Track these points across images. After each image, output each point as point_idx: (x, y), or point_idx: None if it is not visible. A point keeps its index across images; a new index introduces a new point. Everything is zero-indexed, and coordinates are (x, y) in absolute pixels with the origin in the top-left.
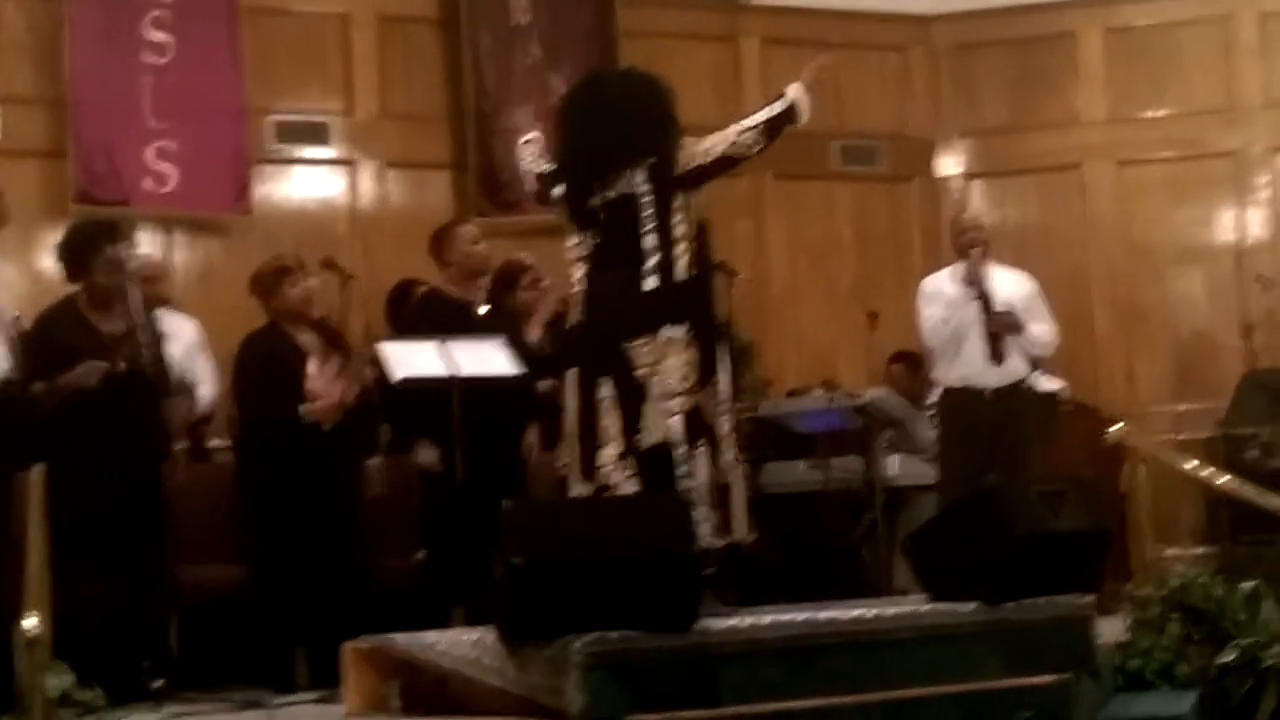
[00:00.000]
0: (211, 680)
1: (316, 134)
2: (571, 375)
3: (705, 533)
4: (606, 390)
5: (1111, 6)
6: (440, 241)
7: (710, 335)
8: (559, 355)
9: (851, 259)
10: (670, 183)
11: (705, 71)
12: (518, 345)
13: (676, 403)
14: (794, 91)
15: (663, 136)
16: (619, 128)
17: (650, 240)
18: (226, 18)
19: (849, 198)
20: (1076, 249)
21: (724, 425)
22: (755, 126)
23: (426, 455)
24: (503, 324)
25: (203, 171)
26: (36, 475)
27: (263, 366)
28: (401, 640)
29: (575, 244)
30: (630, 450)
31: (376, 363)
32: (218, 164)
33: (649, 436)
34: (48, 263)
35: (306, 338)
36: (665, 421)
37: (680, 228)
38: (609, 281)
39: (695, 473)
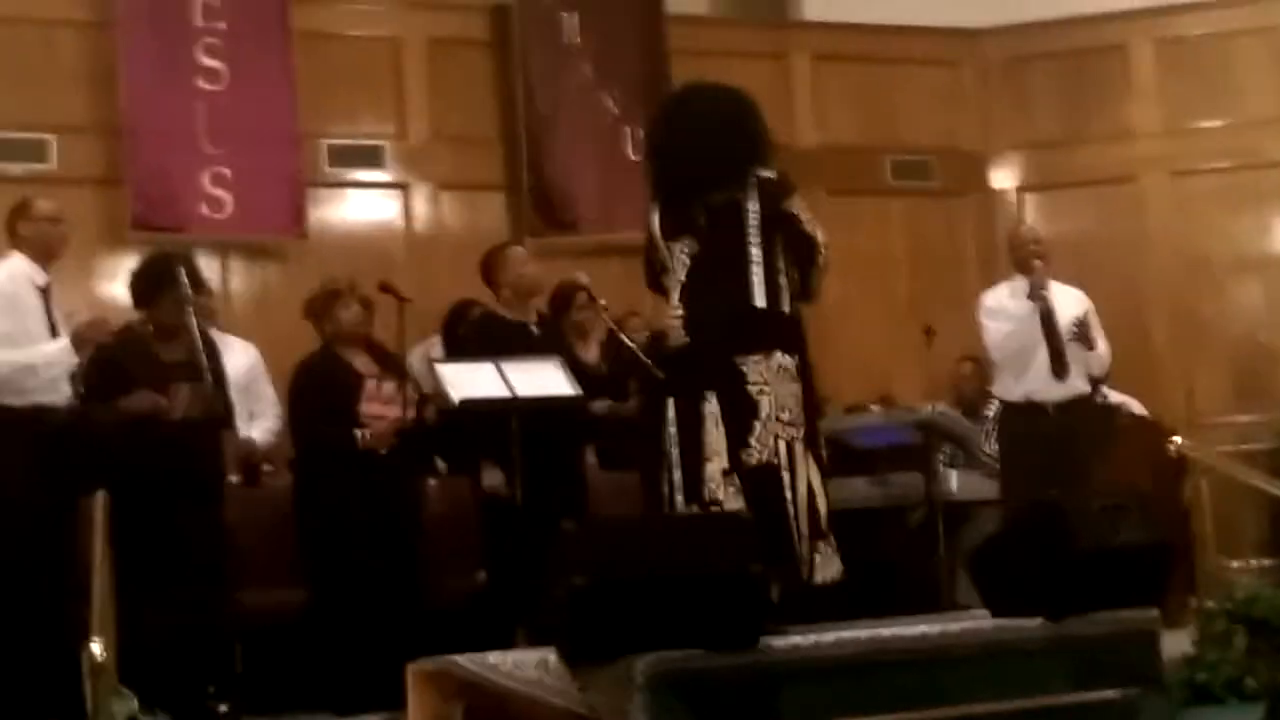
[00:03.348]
0: (276, 704)
1: (370, 157)
2: (674, 394)
3: (825, 567)
4: (712, 405)
5: (1163, 17)
6: (491, 264)
7: (811, 378)
8: (664, 371)
9: (906, 274)
10: (775, 204)
11: (757, 89)
12: (573, 365)
13: (785, 429)
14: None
15: (766, 154)
16: (723, 143)
17: (756, 253)
18: (279, 43)
19: (902, 213)
20: (1133, 261)
21: (818, 477)
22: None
23: (492, 477)
24: (557, 344)
25: (258, 196)
26: (100, 501)
27: (317, 391)
28: (464, 661)
29: (676, 255)
30: (735, 467)
31: (434, 385)
32: (273, 189)
33: (758, 454)
34: (107, 289)
35: (361, 360)
36: (775, 442)
37: (781, 257)
38: (717, 292)
39: (802, 504)
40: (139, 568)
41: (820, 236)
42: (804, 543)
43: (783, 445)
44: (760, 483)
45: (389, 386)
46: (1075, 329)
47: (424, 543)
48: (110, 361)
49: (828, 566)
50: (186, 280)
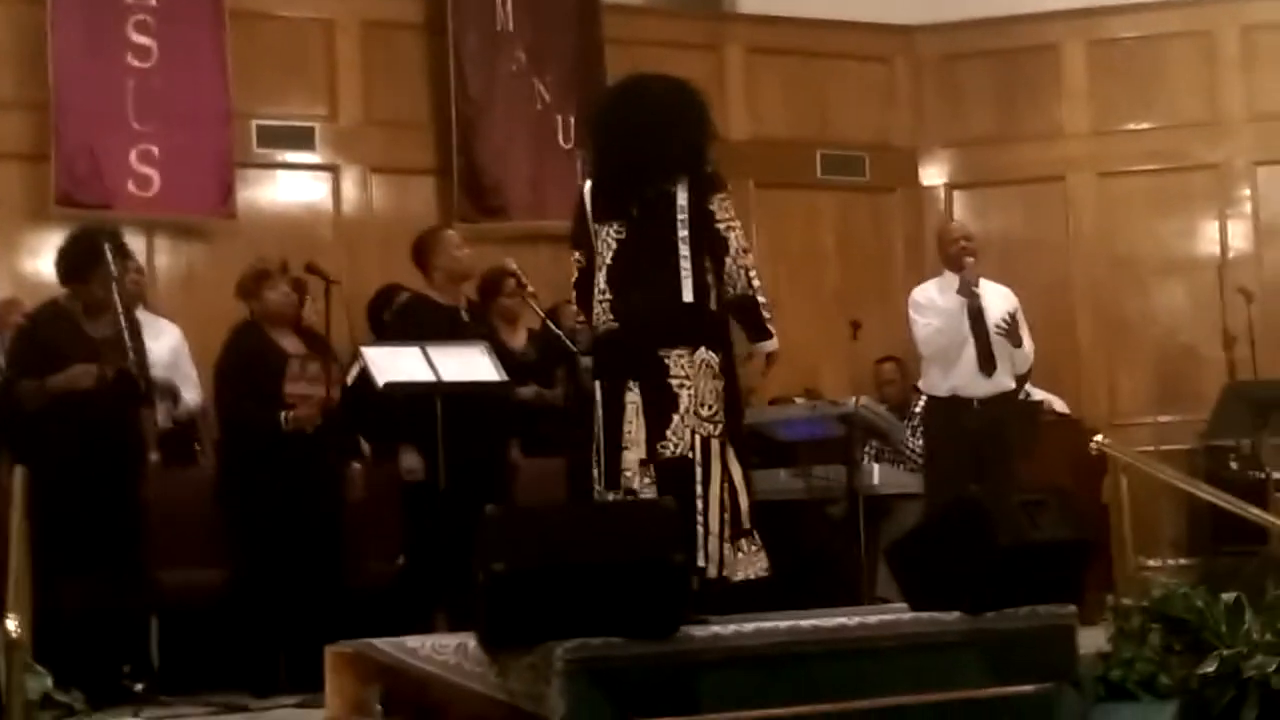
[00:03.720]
0: (193, 684)
1: (300, 139)
2: (600, 379)
3: (732, 564)
4: (634, 395)
5: (1095, 19)
6: (424, 247)
7: (734, 378)
8: (595, 358)
9: (834, 268)
10: (706, 205)
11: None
12: (501, 351)
13: (702, 425)
14: (774, 343)
15: (706, 152)
16: (669, 135)
17: (685, 249)
18: (211, 22)
19: (832, 207)
20: (1059, 260)
21: (738, 472)
22: (746, 281)
23: (410, 461)
24: (486, 330)
25: (186, 175)
26: (19, 476)
27: (244, 369)
28: (383, 645)
29: (604, 237)
30: (652, 458)
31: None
32: (201, 168)
33: (674, 447)
34: (30, 265)
35: (289, 341)
36: (691, 437)
37: (708, 258)
38: (643, 283)
39: (713, 500)
40: (57, 544)
41: (734, 240)
42: (713, 540)
43: (698, 440)
44: (672, 476)
45: (314, 367)
46: (1003, 325)
47: (346, 525)
48: (38, 337)
49: (749, 564)
50: (113, 257)
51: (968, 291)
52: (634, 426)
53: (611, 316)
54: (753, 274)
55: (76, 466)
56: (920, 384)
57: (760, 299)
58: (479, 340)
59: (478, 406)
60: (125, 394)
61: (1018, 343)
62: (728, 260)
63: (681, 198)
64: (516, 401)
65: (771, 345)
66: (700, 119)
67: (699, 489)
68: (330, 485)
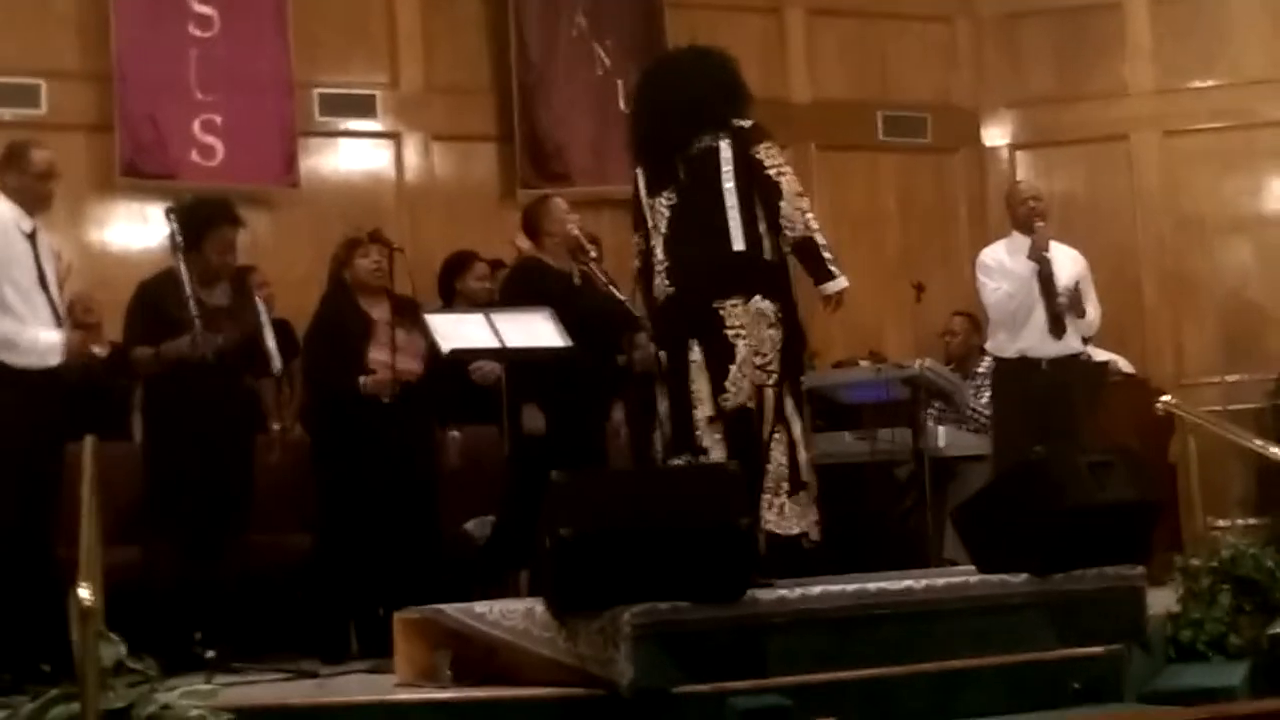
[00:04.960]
0: (267, 650)
1: (362, 107)
2: (664, 345)
3: (769, 519)
4: (696, 353)
5: None
6: (535, 215)
7: (795, 328)
8: (656, 326)
9: (896, 230)
10: (752, 154)
11: (750, 43)
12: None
13: (757, 374)
14: (840, 283)
15: (742, 106)
16: (700, 95)
17: (732, 199)
18: None
19: (894, 169)
20: (1124, 220)
21: (798, 425)
22: (805, 224)
23: (533, 420)
24: (597, 293)
25: (249, 144)
26: (88, 446)
27: (330, 337)
28: (451, 611)
29: (658, 209)
30: (719, 413)
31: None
32: (264, 137)
33: (735, 398)
34: (95, 235)
35: (378, 309)
36: (751, 385)
37: (760, 206)
38: (696, 240)
39: (772, 454)
40: (164, 511)
41: (787, 184)
42: (766, 494)
43: (757, 391)
44: (737, 428)
45: (401, 335)
46: (1066, 298)
47: (444, 492)
48: (150, 305)
49: (800, 519)
50: (233, 225)
51: (1038, 256)
52: (699, 384)
53: (668, 281)
54: (810, 215)
55: (192, 433)
56: (988, 345)
57: (820, 239)
58: (592, 304)
59: (586, 369)
60: (240, 363)
61: (1081, 314)
62: (783, 204)
63: (725, 151)
64: (621, 367)
65: (836, 285)
66: (730, 76)
67: (764, 439)
68: (419, 451)
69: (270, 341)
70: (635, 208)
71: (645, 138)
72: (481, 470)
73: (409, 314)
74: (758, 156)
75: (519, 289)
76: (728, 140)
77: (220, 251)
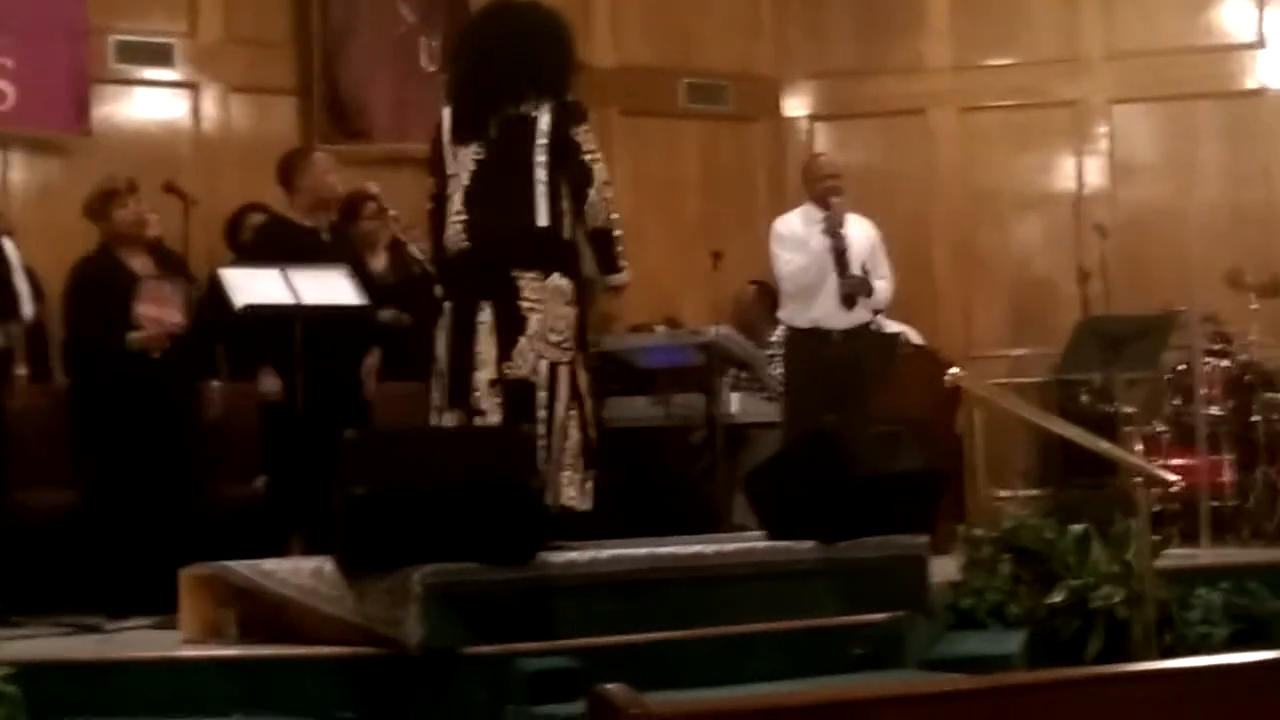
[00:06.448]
0: (46, 604)
1: (159, 55)
2: (451, 298)
3: (571, 494)
4: (486, 315)
5: None
6: (291, 167)
7: (585, 309)
8: (440, 277)
9: (696, 198)
10: (564, 129)
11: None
12: (361, 274)
13: (551, 350)
14: (624, 277)
15: (570, 80)
16: (533, 59)
17: (542, 174)
18: None
19: (695, 136)
20: (919, 193)
21: (589, 403)
22: (606, 215)
23: (269, 383)
24: (347, 252)
25: (40, 90)
26: None
27: (92, 291)
28: (238, 567)
29: (461, 160)
30: (500, 379)
31: (216, 289)
32: (56, 83)
33: (519, 369)
34: None
35: (140, 262)
36: (536, 360)
37: (566, 185)
38: (499, 203)
39: (557, 427)
40: None
41: (599, 173)
42: (551, 467)
43: (544, 365)
44: (515, 398)
45: (166, 288)
46: (852, 283)
47: (202, 447)
48: None
49: (580, 499)
50: None
51: (833, 231)
52: (485, 346)
53: (465, 237)
54: (612, 207)
55: None
56: (780, 314)
57: (616, 233)
58: (339, 263)
59: (336, 330)
60: None
61: (869, 294)
62: (591, 192)
63: (543, 123)
64: (376, 324)
65: (621, 279)
66: (564, 44)
67: (542, 413)
68: (183, 406)
69: (22, 284)
70: (434, 149)
71: (465, 85)
72: (244, 424)
73: (170, 265)
74: (576, 139)
75: (261, 247)
76: (549, 113)
77: None
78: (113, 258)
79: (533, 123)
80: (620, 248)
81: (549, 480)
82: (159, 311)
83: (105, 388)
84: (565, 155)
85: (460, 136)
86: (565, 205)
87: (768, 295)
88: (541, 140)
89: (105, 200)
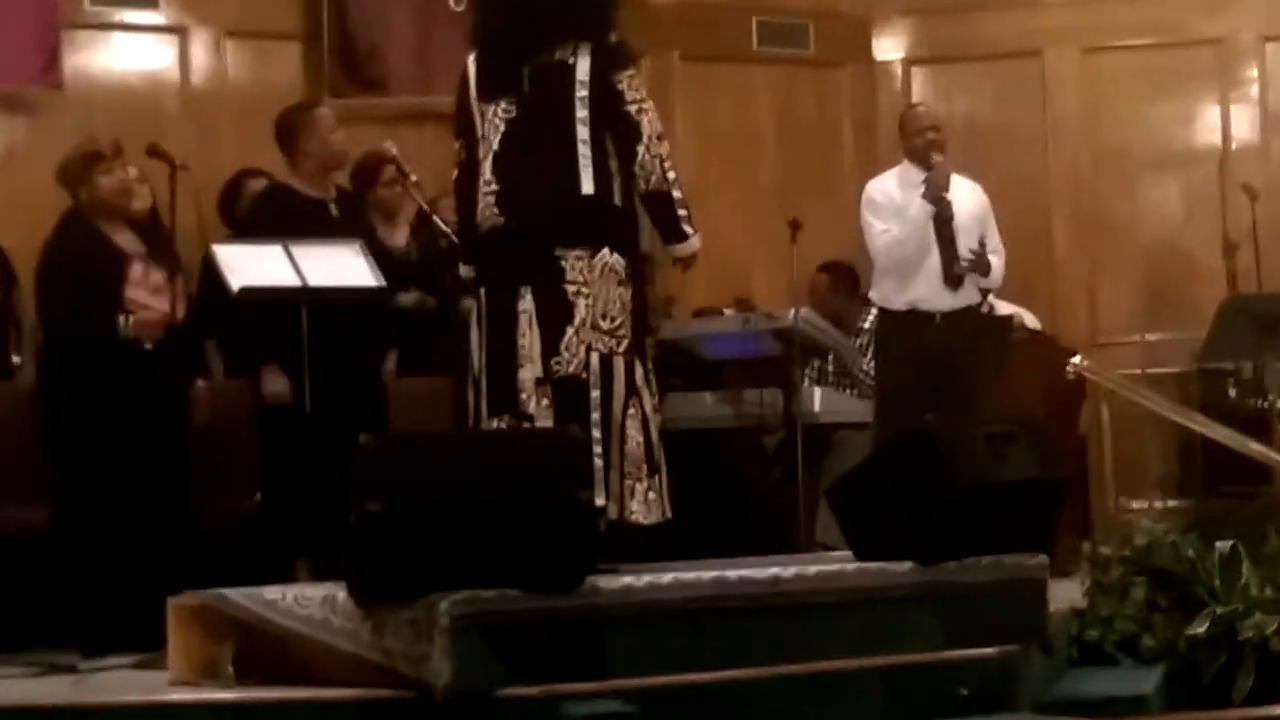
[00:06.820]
0: (11, 642)
1: None
2: (484, 285)
3: (634, 507)
4: (526, 302)
5: None
6: (291, 127)
7: (643, 288)
8: (471, 257)
9: (771, 156)
10: (612, 81)
11: None
12: (377, 250)
13: (603, 340)
14: (692, 245)
15: (611, 16)
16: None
17: (584, 131)
18: None
19: (770, 84)
20: (1035, 151)
21: (649, 398)
22: (662, 174)
23: (275, 385)
24: (360, 225)
25: (4, 39)
26: None
27: (73, 271)
28: (236, 596)
29: (490, 119)
30: (547, 377)
31: (209, 269)
32: (22, 30)
33: (568, 365)
34: None
35: (125, 238)
36: (586, 353)
37: (613, 143)
38: (536, 171)
39: (614, 428)
40: None
41: (648, 125)
42: (613, 474)
43: (596, 358)
44: (566, 398)
45: (158, 274)
46: (970, 259)
47: (191, 455)
48: None
49: (651, 509)
50: None
51: (935, 196)
52: (528, 340)
53: (498, 211)
54: (668, 165)
55: None
56: (872, 294)
57: (676, 194)
58: (352, 238)
59: (350, 316)
60: None
61: (986, 272)
62: (640, 149)
63: (581, 70)
64: (395, 310)
65: (687, 248)
66: None
67: (596, 415)
68: (174, 408)
69: None
70: (460, 110)
71: (488, 32)
72: (238, 430)
73: (160, 243)
74: (619, 86)
75: (259, 220)
76: (587, 57)
77: None
78: (96, 231)
79: (570, 70)
80: (684, 211)
81: (613, 491)
82: (150, 298)
83: (83, 385)
84: (608, 107)
85: (487, 92)
86: (614, 167)
87: (843, 278)
88: (581, 92)
89: (87, 164)
